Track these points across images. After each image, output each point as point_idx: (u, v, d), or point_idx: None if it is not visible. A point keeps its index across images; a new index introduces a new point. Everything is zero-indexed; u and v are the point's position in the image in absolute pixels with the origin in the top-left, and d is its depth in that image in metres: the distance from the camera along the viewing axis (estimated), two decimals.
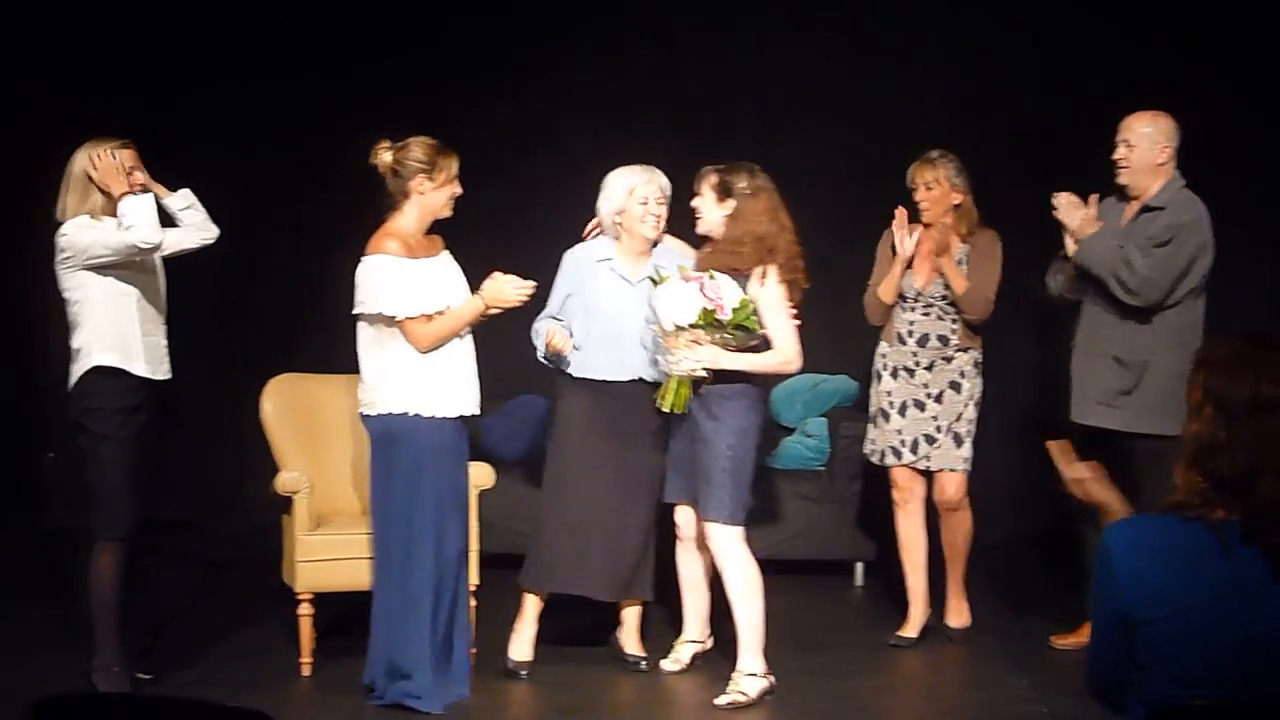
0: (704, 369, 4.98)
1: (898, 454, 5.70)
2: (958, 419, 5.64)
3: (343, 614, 5.74)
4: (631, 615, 5.51)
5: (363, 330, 5.01)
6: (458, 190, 5.03)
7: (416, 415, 4.91)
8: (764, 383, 5.25)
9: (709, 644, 5.49)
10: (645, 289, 5.18)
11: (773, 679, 5.13)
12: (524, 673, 5.37)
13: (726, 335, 4.94)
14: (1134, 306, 5.30)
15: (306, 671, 5.37)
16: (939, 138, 7.58)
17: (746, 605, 5.10)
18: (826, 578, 6.75)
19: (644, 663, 5.45)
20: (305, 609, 5.35)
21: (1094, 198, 5.49)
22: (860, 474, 6.66)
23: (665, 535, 5.48)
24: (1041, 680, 5.31)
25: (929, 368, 5.65)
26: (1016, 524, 7.63)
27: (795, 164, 7.67)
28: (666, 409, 5.05)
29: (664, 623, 5.82)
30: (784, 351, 5.08)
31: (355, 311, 4.99)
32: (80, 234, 4.94)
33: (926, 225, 5.72)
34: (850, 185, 7.33)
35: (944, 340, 5.65)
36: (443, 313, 4.92)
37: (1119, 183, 5.45)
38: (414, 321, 4.89)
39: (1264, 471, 2.54)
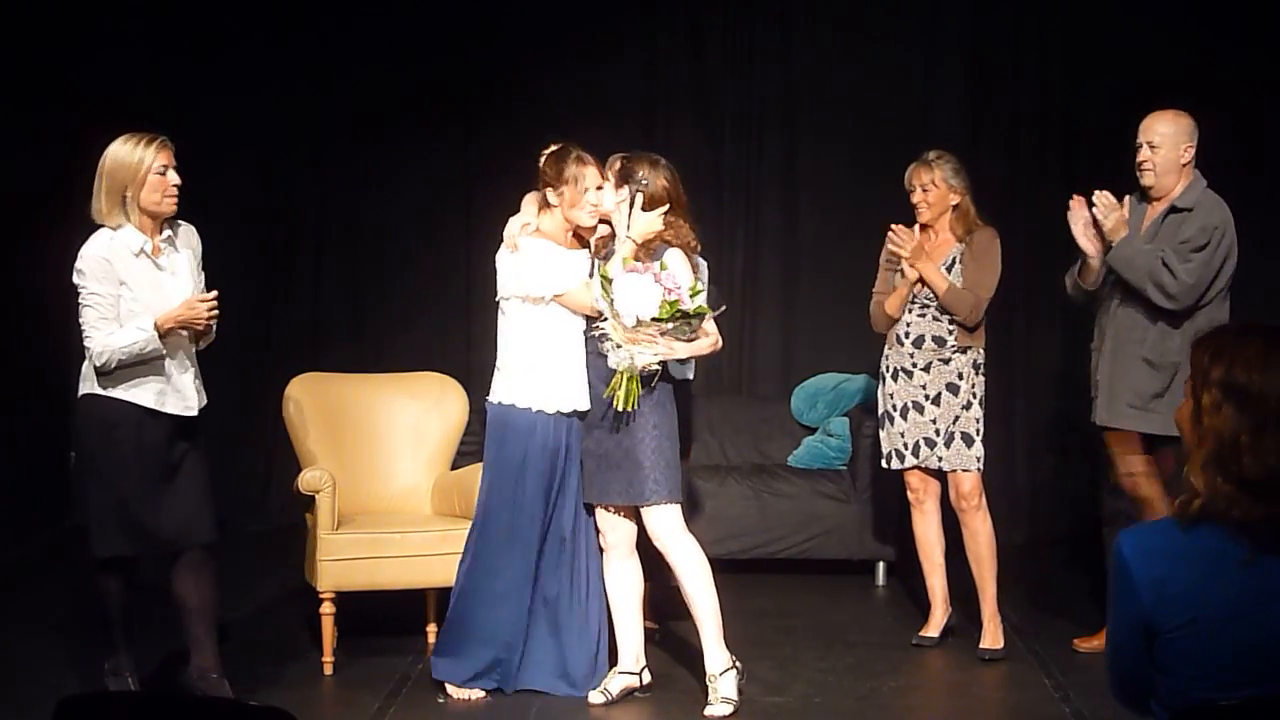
0: (659, 362, 4.88)
1: (902, 457, 5.70)
2: (956, 420, 5.63)
3: (365, 613, 5.77)
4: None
5: (500, 319, 5.10)
6: (591, 200, 5.01)
7: (527, 409, 5.01)
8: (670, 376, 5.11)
9: (646, 679, 5.15)
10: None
11: (738, 663, 5.01)
12: None
13: (686, 325, 4.82)
14: (1166, 310, 5.27)
15: (329, 670, 5.38)
16: (965, 138, 7.62)
17: (704, 592, 4.96)
18: (849, 577, 6.73)
19: (655, 634, 5.51)
20: (328, 608, 5.37)
21: (1128, 199, 5.45)
22: (879, 474, 6.65)
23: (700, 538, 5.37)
24: (1065, 680, 5.29)
25: (926, 369, 5.65)
26: (1039, 525, 7.63)
27: (820, 163, 7.72)
28: (621, 407, 4.88)
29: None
30: (713, 332, 4.96)
31: (499, 297, 5.06)
32: (83, 282, 4.69)
33: (924, 227, 5.73)
34: (874, 184, 7.32)
35: (940, 341, 5.64)
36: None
37: (1143, 184, 5.41)
38: (571, 292, 4.97)
39: None
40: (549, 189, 5.02)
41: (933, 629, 5.79)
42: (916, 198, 5.69)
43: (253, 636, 5.76)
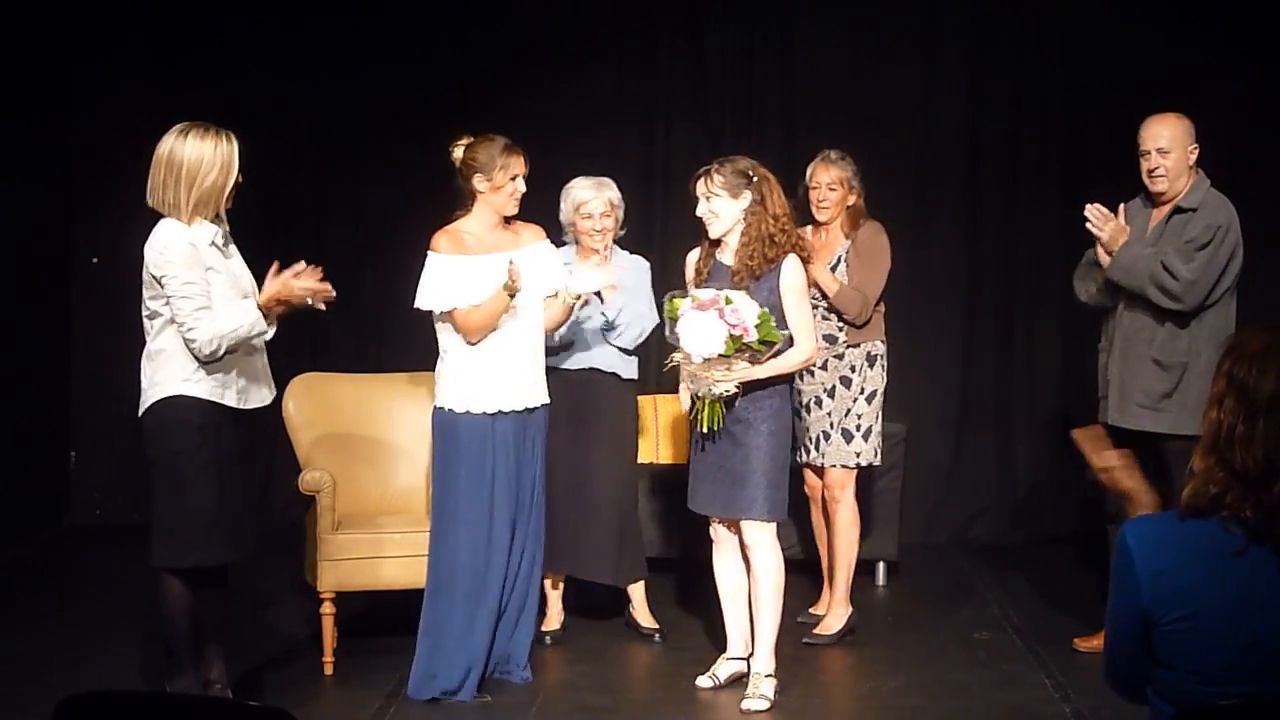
0: (737, 387, 4.98)
1: (808, 451, 5.78)
2: (847, 414, 5.69)
3: (365, 613, 5.77)
4: (637, 592, 5.85)
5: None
6: (519, 189, 5.08)
7: (466, 412, 5.04)
8: (788, 379, 5.22)
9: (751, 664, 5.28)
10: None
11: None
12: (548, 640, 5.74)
13: (755, 352, 4.91)
14: (1173, 310, 5.28)
15: (329, 671, 5.38)
16: (964, 138, 7.62)
17: (774, 606, 5.12)
18: None
19: (657, 635, 5.76)
20: (328, 608, 5.37)
21: (1123, 206, 5.45)
22: (880, 474, 6.64)
23: (702, 539, 5.44)
24: (1065, 680, 5.30)
25: (824, 366, 5.75)
26: (1039, 525, 7.62)
27: None
28: (706, 430, 5.03)
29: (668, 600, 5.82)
30: (805, 348, 5.07)
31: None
32: (174, 272, 4.51)
33: (820, 224, 5.79)
34: (873, 184, 7.31)
35: (831, 339, 5.74)
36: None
37: (1156, 190, 5.39)
38: (454, 314, 5.02)
39: None
40: (477, 175, 5.03)
41: (824, 608, 5.92)
42: (821, 195, 5.77)
43: (253, 636, 5.76)
